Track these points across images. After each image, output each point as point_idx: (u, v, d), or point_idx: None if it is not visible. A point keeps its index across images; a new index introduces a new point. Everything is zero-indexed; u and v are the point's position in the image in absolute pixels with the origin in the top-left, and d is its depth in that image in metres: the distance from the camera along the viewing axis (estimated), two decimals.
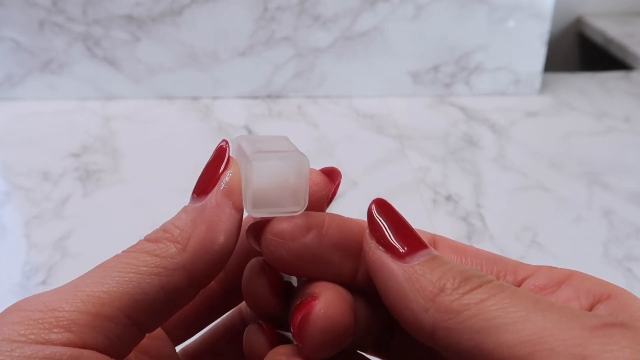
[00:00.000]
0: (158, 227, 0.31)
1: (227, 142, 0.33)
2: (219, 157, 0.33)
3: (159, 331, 0.36)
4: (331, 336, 0.31)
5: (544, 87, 1.26)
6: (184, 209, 0.32)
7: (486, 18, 1.17)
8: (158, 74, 1.19)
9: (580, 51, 1.64)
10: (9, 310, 0.27)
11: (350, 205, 0.89)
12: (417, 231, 0.31)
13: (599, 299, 0.29)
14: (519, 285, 0.32)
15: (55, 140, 1.07)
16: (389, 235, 0.31)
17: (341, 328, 0.31)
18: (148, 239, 0.30)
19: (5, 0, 1.11)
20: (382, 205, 0.32)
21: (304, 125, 1.12)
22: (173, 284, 0.29)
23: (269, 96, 1.22)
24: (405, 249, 0.30)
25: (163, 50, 1.17)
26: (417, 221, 0.86)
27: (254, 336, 0.34)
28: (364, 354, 0.36)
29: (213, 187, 0.32)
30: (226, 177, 0.32)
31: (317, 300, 0.31)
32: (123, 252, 0.30)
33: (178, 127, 1.13)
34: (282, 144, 0.34)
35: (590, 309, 0.29)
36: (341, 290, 0.32)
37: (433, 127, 1.12)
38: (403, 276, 0.29)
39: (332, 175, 0.37)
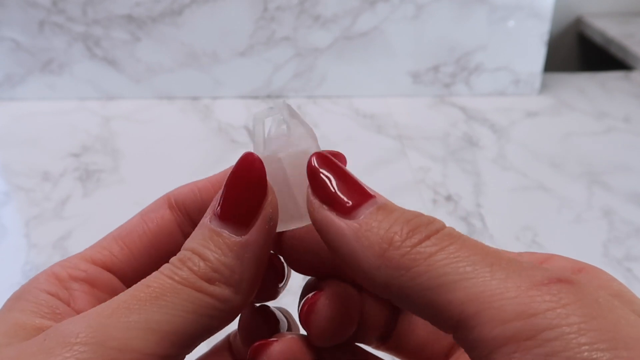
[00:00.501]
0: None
1: (259, 159, 0.31)
2: (255, 180, 0.31)
3: (119, 286, 0.35)
4: (333, 326, 0.32)
5: (544, 87, 1.26)
6: (227, 244, 0.30)
7: (486, 18, 1.17)
8: (158, 74, 1.19)
9: (580, 51, 1.64)
10: (83, 342, 0.26)
11: None
12: (363, 183, 0.30)
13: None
14: None
15: (55, 140, 1.07)
16: (332, 191, 0.30)
17: (343, 319, 0.32)
18: (199, 275, 0.29)
19: (5, 0, 1.11)
20: (322, 159, 0.31)
21: None
22: (222, 326, 0.29)
23: (269, 96, 1.22)
24: (350, 202, 0.29)
25: (163, 50, 1.17)
26: None
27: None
28: (366, 346, 0.37)
29: (253, 218, 0.30)
30: (270, 210, 0.30)
31: (322, 292, 0.33)
32: (172, 279, 0.29)
33: (178, 127, 1.13)
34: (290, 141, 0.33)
35: None
36: (346, 285, 0.34)
37: (433, 127, 1.12)
38: (351, 234, 0.28)
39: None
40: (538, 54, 1.22)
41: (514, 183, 0.96)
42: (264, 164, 0.31)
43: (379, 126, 1.12)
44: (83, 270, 0.34)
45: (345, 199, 0.29)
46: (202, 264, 0.29)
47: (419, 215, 0.28)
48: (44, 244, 0.81)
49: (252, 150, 0.33)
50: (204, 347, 0.34)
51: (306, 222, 0.32)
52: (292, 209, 0.32)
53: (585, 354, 0.22)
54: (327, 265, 0.34)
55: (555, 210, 0.90)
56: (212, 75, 1.20)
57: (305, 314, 0.33)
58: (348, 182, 0.30)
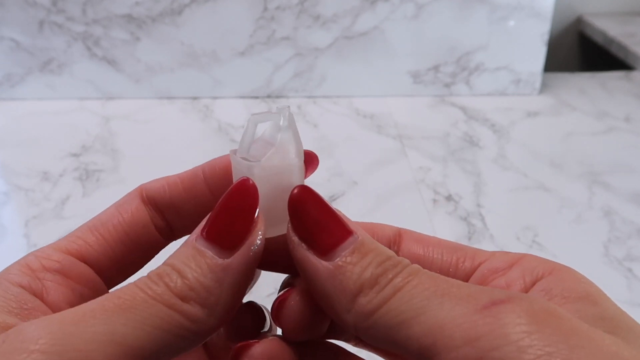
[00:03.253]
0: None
1: (254, 186, 0.31)
2: (247, 207, 0.31)
3: (93, 278, 0.35)
4: (304, 320, 0.33)
5: (544, 87, 1.26)
6: (208, 265, 0.29)
7: (486, 18, 1.17)
8: (158, 74, 1.19)
9: (580, 51, 1.64)
10: (42, 350, 0.25)
11: (350, 206, 0.89)
12: (344, 218, 0.31)
13: (541, 276, 0.31)
14: (474, 270, 0.34)
15: (55, 140, 1.07)
16: (311, 231, 0.30)
17: (315, 314, 0.33)
18: (174, 291, 0.28)
19: (5, 0, 1.11)
20: (301, 196, 0.31)
21: (304, 125, 1.12)
22: (189, 347, 0.29)
23: (269, 96, 1.22)
24: (328, 243, 0.30)
25: (163, 50, 1.17)
26: (417, 221, 0.86)
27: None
28: (346, 345, 0.37)
29: (239, 243, 0.30)
30: (257, 240, 0.31)
31: (294, 288, 0.33)
32: (145, 293, 0.28)
33: (178, 127, 1.13)
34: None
35: (531, 286, 0.30)
36: None
37: (433, 127, 1.12)
38: (326, 276, 0.29)
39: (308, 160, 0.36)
40: (538, 54, 1.22)
41: (515, 183, 0.96)
42: (239, 167, 0.32)
43: (379, 126, 1.12)
44: (57, 261, 0.34)
45: (323, 239, 0.30)
46: (179, 281, 0.29)
47: (389, 257, 0.29)
48: (43, 244, 0.81)
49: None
50: None
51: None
52: (280, 215, 0.32)
53: None
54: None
55: (556, 210, 0.90)
56: (212, 75, 1.20)
57: (276, 309, 0.33)
58: (328, 218, 0.31)
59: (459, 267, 0.34)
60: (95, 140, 1.07)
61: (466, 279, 0.34)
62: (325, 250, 0.30)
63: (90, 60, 1.17)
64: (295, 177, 0.33)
